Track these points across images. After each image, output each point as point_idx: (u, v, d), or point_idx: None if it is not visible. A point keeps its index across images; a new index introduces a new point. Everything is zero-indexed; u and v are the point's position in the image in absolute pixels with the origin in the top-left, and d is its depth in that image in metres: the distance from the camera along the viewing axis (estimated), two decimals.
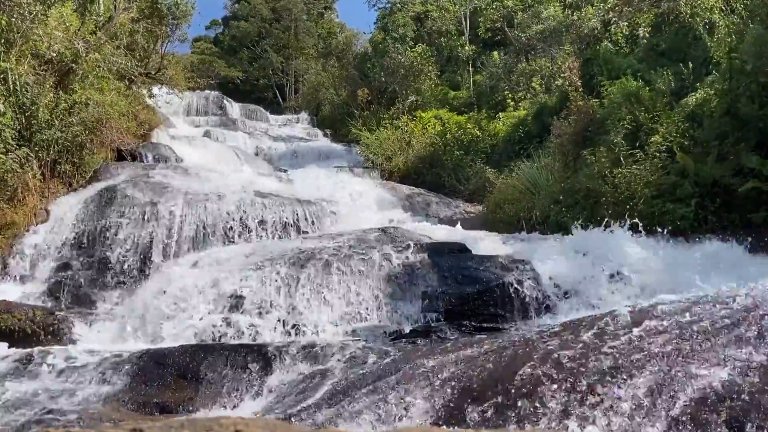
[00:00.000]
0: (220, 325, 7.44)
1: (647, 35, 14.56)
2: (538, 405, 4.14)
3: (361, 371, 5.40)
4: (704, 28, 12.67)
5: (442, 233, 10.44)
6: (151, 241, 9.68)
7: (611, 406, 3.96)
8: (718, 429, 3.62)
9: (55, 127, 10.77)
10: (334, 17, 42.69)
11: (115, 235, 9.69)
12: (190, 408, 5.55)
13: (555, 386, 4.23)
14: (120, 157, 13.41)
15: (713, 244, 8.06)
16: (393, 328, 7.29)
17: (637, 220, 8.38)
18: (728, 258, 7.51)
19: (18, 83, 10.48)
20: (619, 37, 15.40)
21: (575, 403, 4.07)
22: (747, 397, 3.73)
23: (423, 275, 7.94)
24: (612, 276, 7.71)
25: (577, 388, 4.16)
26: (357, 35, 31.46)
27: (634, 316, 5.00)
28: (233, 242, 10.03)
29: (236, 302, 7.74)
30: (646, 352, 4.36)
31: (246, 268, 8.33)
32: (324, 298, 7.72)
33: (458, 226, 11.42)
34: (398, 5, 28.61)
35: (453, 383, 4.65)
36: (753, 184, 8.46)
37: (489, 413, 4.27)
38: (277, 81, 39.64)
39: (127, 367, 6.04)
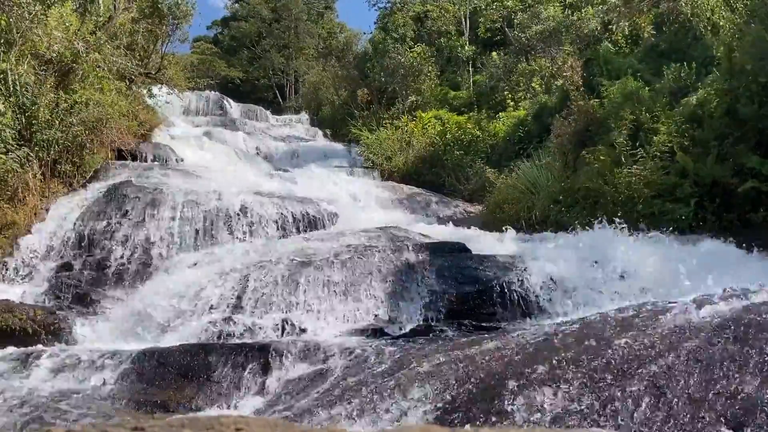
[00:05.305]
0: (221, 324, 7.44)
1: (647, 35, 14.57)
2: (538, 403, 4.15)
3: (361, 370, 5.41)
4: (705, 28, 12.68)
5: (441, 232, 10.44)
6: (152, 241, 9.69)
7: (612, 407, 3.97)
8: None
9: (55, 127, 10.78)
10: (334, 17, 42.68)
11: (116, 234, 9.70)
12: (191, 407, 5.57)
13: (556, 385, 4.24)
14: (120, 156, 13.43)
15: (712, 243, 8.07)
16: (393, 327, 7.29)
17: (636, 219, 8.39)
18: (727, 257, 7.51)
19: (18, 83, 10.50)
20: (620, 38, 15.41)
21: (575, 401, 4.08)
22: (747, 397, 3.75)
23: (423, 275, 7.94)
24: (611, 275, 7.71)
25: (577, 387, 4.18)
26: (357, 35, 31.46)
27: (629, 317, 5.02)
28: (234, 242, 10.03)
29: (237, 301, 7.75)
30: (641, 354, 4.38)
31: (247, 267, 8.34)
32: (324, 297, 7.73)
33: (457, 225, 11.42)
34: (398, 5, 28.64)
35: (454, 382, 4.66)
36: (752, 183, 8.47)
37: (489, 412, 4.28)
38: (277, 81, 39.63)
39: (128, 366, 6.06)
